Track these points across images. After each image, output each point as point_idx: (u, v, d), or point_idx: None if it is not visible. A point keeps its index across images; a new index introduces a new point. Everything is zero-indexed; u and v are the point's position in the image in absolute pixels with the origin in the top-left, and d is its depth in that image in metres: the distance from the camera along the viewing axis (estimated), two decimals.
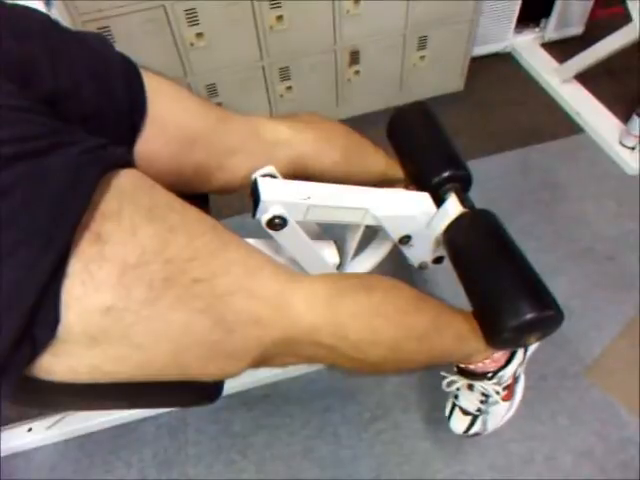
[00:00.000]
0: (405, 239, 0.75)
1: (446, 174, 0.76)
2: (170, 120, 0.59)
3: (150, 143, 0.57)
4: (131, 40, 1.25)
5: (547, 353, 1.05)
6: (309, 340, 0.53)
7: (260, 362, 0.52)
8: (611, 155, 1.42)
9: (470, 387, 0.75)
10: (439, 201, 0.76)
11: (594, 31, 1.74)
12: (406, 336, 0.60)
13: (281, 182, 0.65)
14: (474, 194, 1.36)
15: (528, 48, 1.76)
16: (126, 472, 0.96)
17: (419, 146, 0.82)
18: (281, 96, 1.49)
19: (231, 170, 0.66)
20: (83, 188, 0.40)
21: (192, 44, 1.31)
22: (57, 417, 0.98)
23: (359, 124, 1.59)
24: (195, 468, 0.95)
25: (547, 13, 1.71)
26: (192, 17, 1.25)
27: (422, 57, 1.53)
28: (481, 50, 1.74)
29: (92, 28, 1.20)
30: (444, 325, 0.65)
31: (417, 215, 0.73)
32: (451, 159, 0.79)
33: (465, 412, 0.79)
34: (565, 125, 1.54)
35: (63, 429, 0.99)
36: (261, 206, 0.61)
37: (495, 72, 1.74)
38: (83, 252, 0.39)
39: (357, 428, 0.99)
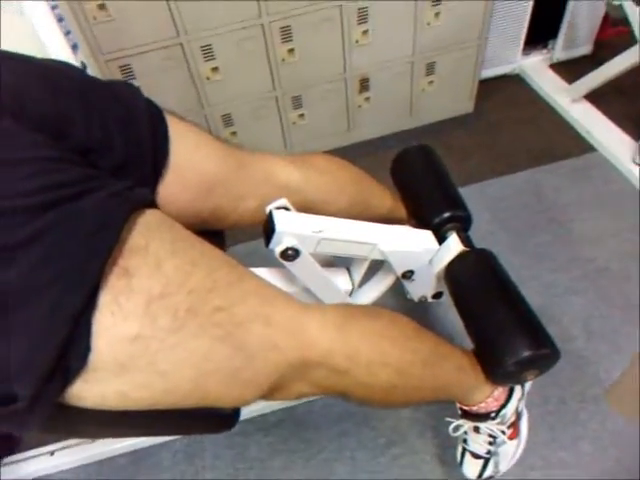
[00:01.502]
0: (408, 274, 0.77)
1: (447, 214, 0.79)
2: (190, 167, 0.63)
3: (170, 187, 0.61)
4: (151, 76, 1.31)
5: (566, 376, 1.04)
6: (324, 364, 0.54)
7: (275, 389, 0.53)
8: (624, 173, 1.42)
9: (476, 430, 0.75)
10: (440, 239, 0.79)
11: (602, 50, 1.76)
12: (411, 359, 0.61)
13: (295, 215, 0.68)
14: (485, 215, 1.38)
15: (536, 69, 1.78)
16: None
17: (421, 186, 0.85)
18: (294, 123, 1.54)
19: (244, 212, 0.70)
20: (112, 227, 0.44)
21: (208, 78, 1.37)
22: (78, 441, 1.01)
23: (370, 148, 1.64)
24: None
25: (554, 34, 1.73)
26: (208, 53, 1.31)
27: (430, 82, 1.56)
28: (490, 72, 1.76)
29: (114, 66, 1.26)
30: (445, 354, 0.67)
31: (421, 252, 0.75)
32: (452, 200, 0.82)
33: (476, 456, 0.78)
34: (576, 144, 1.54)
35: (83, 454, 1.00)
36: (275, 237, 0.63)
37: (504, 94, 1.76)
38: (112, 285, 0.42)
39: (374, 453, 0.98)
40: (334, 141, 1.62)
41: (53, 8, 0.86)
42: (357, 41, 1.40)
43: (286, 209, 0.68)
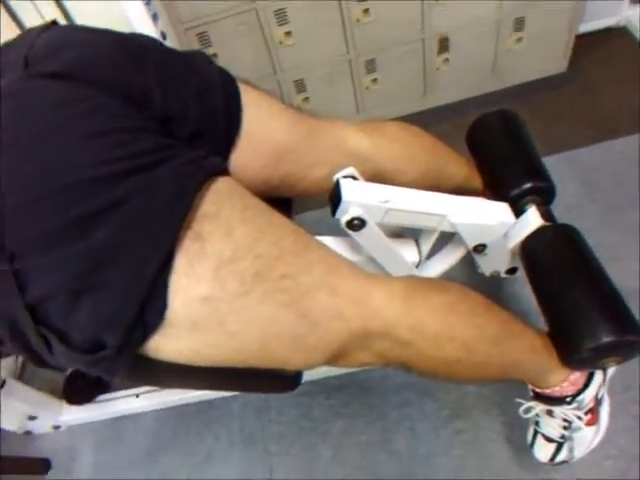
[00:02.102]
0: (480, 247, 0.73)
1: (527, 186, 0.73)
2: (262, 135, 0.64)
3: (243, 155, 0.62)
4: (226, 43, 1.33)
5: None
6: (387, 335, 0.54)
7: (338, 357, 0.54)
8: None
9: (550, 413, 0.71)
10: (518, 212, 0.73)
11: None
12: (479, 335, 0.59)
13: (362, 184, 0.67)
14: (575, 186, 1.26)
15: None
16: (215, 442, 1.05)
17: (500, 155, 0.79)
18: (367, 88, 1.49)
19: (313, 179, 0.70)
20: (186, 195, 0.46)
21: (281, 42, 1.36)
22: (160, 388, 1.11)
23: (447, 113, 1.56)
24: (277, 445, 1.02)
25: None
26: (281, 17, 1.30)
27: (519, 39, 1.43)
28: (590, 26, 1.57)
29: (192, 35, 1.30)
30: (516, 333, 0.63)
31: (495, 225, 0.70)
32: (533, 170, 0.75)
33: (548, 439, 0.74)
34: None
35: (164, 398, 1.10)
36: (341, 207, 0.63)
37: (606, 49, 1.57)
38: (187, 249, 0.45)
39: (435, 425, 0.98)
40: (409, 106, 1.55)
41: None
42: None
43: (354, 178, 0.67)
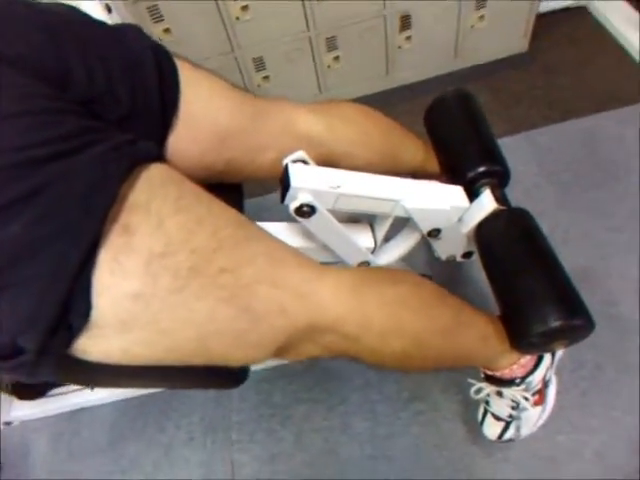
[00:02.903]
0: (434, 232, 0.72)
1: (482, 169, 0.72)
2: (203, 117, 0.60)
3: (181, 139, 0.58)
4: (179, 17, 1.26)
5: (605, 341, 0.98)
6: (334, 330, 0.53)
7: (284, 351, 0.53)
8: None
9: (499, 394, 0.73)
10: (473, 196, 0.72)
11: None
12: (430, 329, 0.58)
13: (312, 169, 0.64)
14: (532, 167, 1.27)
15: (606, 1, 1.56)
16: (176, 432, 1.03)
17: (455, 137, 0.78)
18: (328, 67, 1.45)
19: (261, 163, 0.67)
20: (110, 183, 0.42)
21: (238, 18, 1.30)
22: None
23: (410, 93, 1.53)
24: (238, 433, 1.01)
25: None
26: None
27: (481, 17, 1.41)
28: (550, 5, 1.57)
29: (142, 8, 1.22)
30: (468, 323, 0.63)
31: (449, 209, 0.69)
32: (488, 152, 0.75)
33: (497, 418, 0.76)
34: None
35: (121, 389, 1.07)
36: (290, 193, 0.60)
37: (566, 29, 1.57)
38: (112, 243, 0.41)
39: (395, 407, 0.99)
40: (371, 85, 1.52)
41: None
42: None
43: (304, 162, 0.64)
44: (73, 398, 1.09)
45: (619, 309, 1.02)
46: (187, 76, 0.58)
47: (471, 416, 0.94)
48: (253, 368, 1.07)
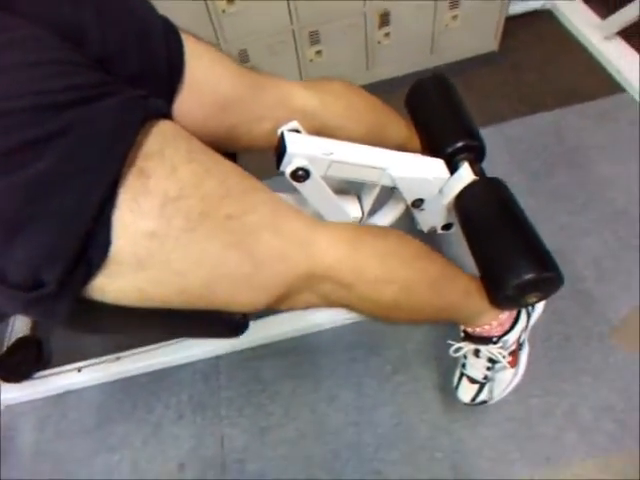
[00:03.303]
0: (418, 202, 0.77)
1: (460, 144, 0.78)
2: (205, 85, 0.64)
3: (185, 104, 0.62)
4: (163, 7, 1.28)
5: (573, 314, 1.05)
6: (329, 278, 0.57)
7: (285, 299, 0.56)
8: None
9: (476, 353, 0.78)
10: (452, 169, 0.78)
11: None
12: (418, 280, 0.63)
13: (306, 137, 0.68)
14: (504, 157, 1.36)
15: (569, 5, 1.67)
16: (165, 412, 1.05)
17: (435, 116, 0.84)
18: (311, 60, 1.50)
19: (258, 133, 0.71)
20: (128, 129, 0.46)
21: (224, 10, 1.34)
22: (104, 359, 1.08)
23: (388, 87, 1.60)
24: (227, 410, 1.03)
25: None
26: None
27: (454, 17, 1.49)
28: (518, 8, 1.67)
29: None
30: (453, 277, 0.68)
31: (431, 179, 0.75)
32: (466, 130, 0.81)
33: (472, 380, 0.81)
34: (605, 85, 1.47)
35: (108, 371, 1.08)
36: (286, 158, 0.64)
37: (532, 31, 1.67)
38: (130, 185, 0.45)
39: (379, 379, 1.03)
40: (352, 80, 1.50)
41: None
42: None
43: (297, 132, 0.68)
44: (59, 381, 1.09)
45: (585, 284, 1.09)
46: (191, 47, 0.62)
47: (449, 386, 0.99)
48: (241, 347, 1.10)
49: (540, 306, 0.81)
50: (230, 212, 0.50)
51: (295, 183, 0.66)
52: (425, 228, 0.85)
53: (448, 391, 0.99)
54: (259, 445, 0.98)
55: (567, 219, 1.21)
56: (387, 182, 0.72)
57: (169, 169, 0.47)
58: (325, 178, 0.68)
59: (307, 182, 0.66)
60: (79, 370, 1.08)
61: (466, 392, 0.83)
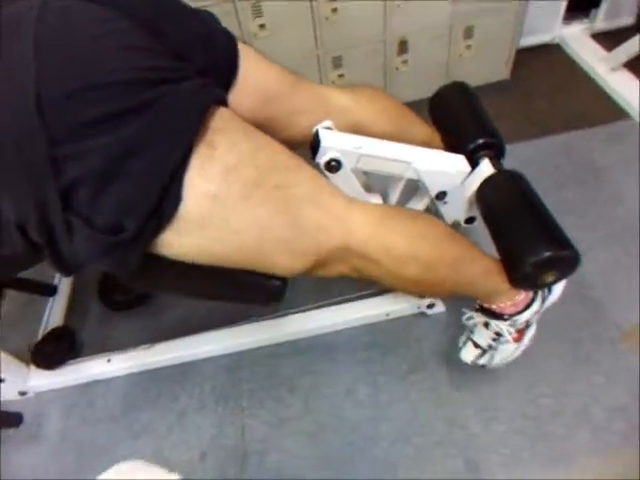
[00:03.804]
0: (441, 195, 0.84)
1: (481, 141, 0.86)
2: (253, 80, 0.74)
3: (236, 96, 0.72)
4: None
5: (583, 318, 1.09)
6: (360, 251, 0.63)
7: (319, 266, 0.63)
8: None
9: (486, 325, 0.84)
10: (473, 165, 0.85)
11: None
12: (440, 258, 0.69)
13: (338, 134, 0.76)
14: None
15: (577, 38, 1.79)
16: (189, 401, 1.09)
17: (457, 117, 0.92)
18: (333, 82, 1.61)
19: (296, 127, 0.80)
20: (201, 107, 0.55)
21: (255, 34, 1.46)
22: (132, 351, 1.13)
23: None
24: (249, 401, 1.07)
25: (596, 3, 1.73)
26: (257, 10, 1.40)
27: (468, 46, 1.60)
28: (529, 41, 1.78)
29: None
30: (474, 257, 0.74)
31: (453, 172, 0.82)
32: (485, 128, 0.88)
33: (476, 345, 0.88)
34: (611, 112, 1.56)
35: (137, 361, 1.13)
36: (321, 151, 0.72)
37: (542, 62, 1.78)
38: (200, 153, 0.53)
39: (395, 377, 1.07)
40: None
41: None
42: (399, 5, 1.45)
43: (330, 129, 0.76)
44: (88, 370, 1.14)
45: (594, 292, 1.14)
46: (244, 51, 0.73)
47: (465, 384, 1.03)
48: (262, 344, 1.15)
49: (556, 293, 0.86)
50: (279, 182, 0.57)
51: (328, 173, 0.73)
52: (449, 221, 0.91)
53: (464, 388, 1.03)
54: (279, 436, 1.01)
55: (578, 234, 1.22)
56: (412, 175, 0.79)
57: (230, 143, 0.55)
58: (355, 172, 0.75)
59: (339, 173, 0.73)
60: (109, 360, 1.13)
61: (469, 353, 0.90)
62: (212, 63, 0.67)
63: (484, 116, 0.90)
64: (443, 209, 0.88)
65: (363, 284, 1.16)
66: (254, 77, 0.73)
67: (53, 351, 1.12)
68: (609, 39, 1.74)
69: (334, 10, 1.43)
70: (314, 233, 0.60)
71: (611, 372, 1.01)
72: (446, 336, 1.11)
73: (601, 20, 1.76)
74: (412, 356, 1.10)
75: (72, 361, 1.15)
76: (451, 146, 0.90)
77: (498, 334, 0.83)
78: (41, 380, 1.13)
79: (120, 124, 0.49)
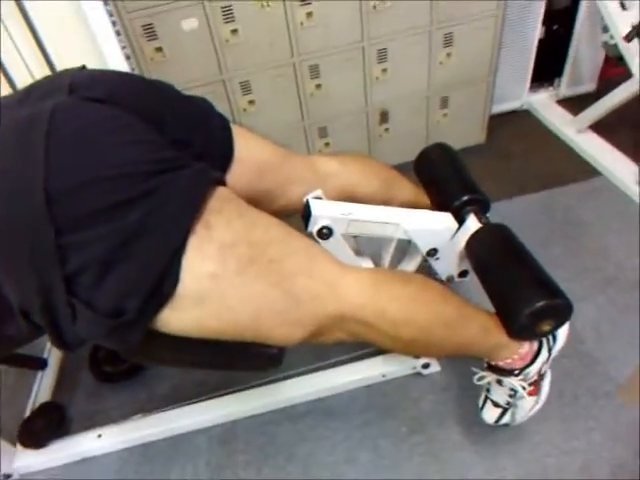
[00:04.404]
0: (432, 252, 0.87)
1: (465, 197, 0.91)
2: (248, 158, 0.79)
3: (234, 174, 0.76)
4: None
5: (579, 374, 1.10)
6: (355, 317, 0.65)
7: (317, 335, 0.64)
8: (629, 194, 1.52)
9: (499, 382, 0.84)
10: (461, 222, 0.89)
11: (606, 88, 1.90)
12: (435, 320, 0.71)
13: (327, 202, 0.81)
14: None
15: (544, 104, 1.93)
16: (182, 476, 1.04)
17: (441, 177, 0.98)
18: (319, 151, 1.69)
19: (290, 196, 0.85)
20: (198, 192, 0.59)
21: (245, 110, 1.55)
22: (123, 425, 1.10)
23: None
24: (245, 471, 1.03)
25: (559, 72, 1.89)
26: (246, 88, 1.50)
27: (445, 115, 1.72)
28: (500, 108, 1.92)
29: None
30: (469, 316, 0.76)
31: (441, 230, 0.86)
32: (469, 186, 0.94)
33: (496, 404, 0.87)
34: (583, 170, 1.65)
35: (128, 436, 1.09)
36: (312, 220, 0.76)
37: (514, 126, 1.91)
38: (198, 233, 0.56)
39: (395, 441, 1.04)
40: None
41: None
42: (377, 78, 1.58)
43: (320, 199, 0.81)
44: (77, 447, 1.09)
45: (586, 346, 1.15)
46: (238, 132, 0.79)
47: (467, 446, 1.01)
48: (257, 411, 1.13)
49: (561, 339, 0.87)
50: (273, 257, 0.60)
51: (320, 241, 0.76)
52: (443, 277, 0.94)
53: (467, 449, 1.01)
54: None
55: (563, 286, 1.29)
56: (402, 235, 0.83)
57: (226, 222, 0.59)
58: (345, 237, 0.79)
59: (330, 240, 0.77)
60: (99, 435, 1.09)
61: (490, 413, 0.90)
62: (209, 145, 0.72)
63: (466, 174, 0.96)
64: (436, 265, 0.91)
65: (357, 345, 1.16)
66: (248, 153, 0.78)
67: (41, 429, 1.09)
68: (573, 104, 1.88)
69: (318, 86, 1.55)
70: (309, 303, 0.61)
71: (610, 427, 1.00)
72: (443, 396, 1.10)
73: (565, 87, 1.92)
74: (411, 417, 1.08)
75: (60, 438, 1.10)
76: (438, 204, 0.95)
77: (513, 390, 0.83)
78: (28, 460, 1.08)
79: (122, 213, 0.52)
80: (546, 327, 0.75)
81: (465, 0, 1.48)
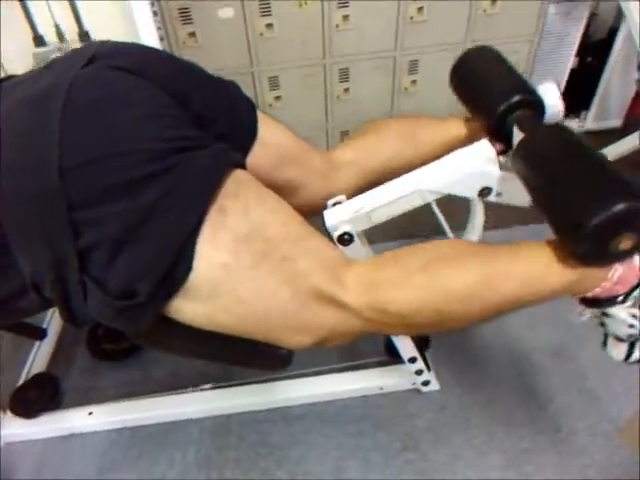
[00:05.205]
0: (485, 191, 0.71)
1: (515, 98, 0.73)
2: (270, 143, 0.78)
3: (255, 157, 0.75)
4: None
5: (579, 409, 1.08)
6: (361, 318, 0.61)
7: (326, 340, 0.62)
8: None
9: (605, 314, 0.66)
10: (508, 134, 0.72)
11: (633, 125, 1.89)
12: (445, 301, 0.60)
13: (339, 206, 0.77)
14: None
15: None
16: (170, 466, 1.03)
17: (484, 81, 0.80)
18: None
19: (310, 189, 0.84)
20: (215, 173, 0.57)
21: (271, 105, 1.55)
22: (116, 405, 1.09)
23: None
24: (233, 471, 1.02)
25: (587, 105, 1.88)
26: (274, 83, 1.50)
27: None
28: None
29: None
30: (500, 276, 0.60)
31: (475, 168, 0.70)
32: (519, 86, 0.77)
33: (618, 338, 0.68)
34: None
35: (119, 417, 1.08)
36: (330, 230, 0.75)
37: None
38: (212, 219, 0.54)
39: (387, 455, 1.03)
40: None
41: None
42: (406, 88, 1.57)
43: (339, 203, 0.79)
44: (67, 422, 1.08)
45: (589, 382, 1.14)
46: (262, 117, 0.78)
47: (460, 469, 1.00)
48: (253, 408, 1.12)
49: None
50: (286, 255, 0.58)
51: (342, 247, 0.75)
52: (526, 204, 0.71)
53: (459, 473, 0.99)
54: None
55: (570, 317, 1.28)
56: (434, 197, 0.74)
57: (243, 210, 0.57)
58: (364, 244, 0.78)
59: (352, 245, 0.75)
60: (90, 413, 1.08)
61: (615, 350, 0.70)
62: (233, 124, 0.72)
63: (514, 74, 0.78)
64: (505, 200, 0.73)
65: (358, 354, 1.15)
66: (272, 137, 0.78)
67: (34, 399, 1.08)
68: (598, 138, 1.87)
69: (346, 90, 1.54)
70: (316, 306, 0.59)
71: (605, 467, 0.99)
72: (440, 415, 1.09)
73: (591, 120, 1.90)
74: (405, 433, 1.07)
75: (51, 411, 1.09)
76: (480, 113, 0.82)
77: (633, 318, 0.63)
78: (15, 429, 1.07)
79: (138, 191, 0.50)
80: (627, 243, 0.53)
81: (505, 21, 1.48)
